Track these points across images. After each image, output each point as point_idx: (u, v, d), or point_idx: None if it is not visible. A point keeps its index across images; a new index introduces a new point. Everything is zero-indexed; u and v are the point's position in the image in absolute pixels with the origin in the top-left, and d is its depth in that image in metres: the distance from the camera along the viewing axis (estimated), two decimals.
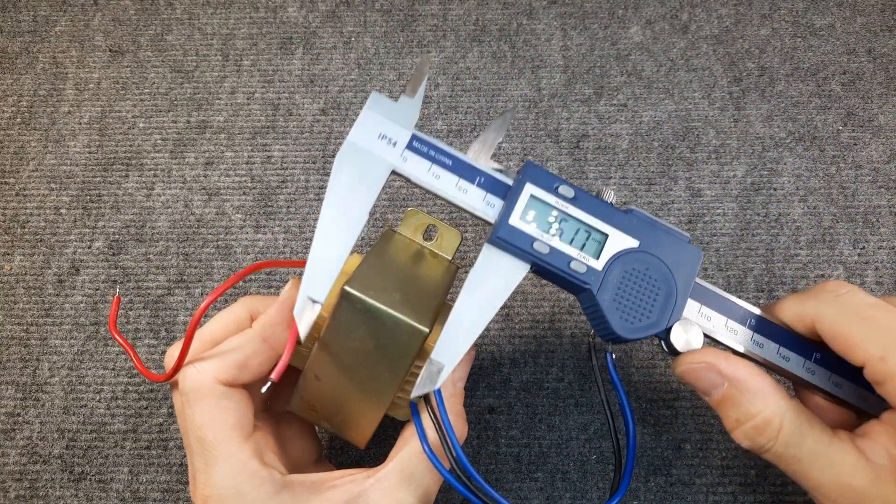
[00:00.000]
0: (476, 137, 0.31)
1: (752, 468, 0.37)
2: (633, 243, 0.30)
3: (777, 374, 0.31)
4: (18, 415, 0.39)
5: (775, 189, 0.44)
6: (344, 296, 0.28)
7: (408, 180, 0.30)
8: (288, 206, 0.44)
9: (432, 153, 0.30)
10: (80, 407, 0.40)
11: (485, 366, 0.40)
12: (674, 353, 0.30)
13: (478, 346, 0.40)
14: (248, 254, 0.43)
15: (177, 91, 0.48)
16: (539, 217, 0.29)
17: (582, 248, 0.29)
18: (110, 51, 0.50)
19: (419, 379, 0.27)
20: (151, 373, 0.30)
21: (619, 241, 0.30)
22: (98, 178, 0.46)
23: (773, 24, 0.49)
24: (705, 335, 0.30)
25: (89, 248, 0.44)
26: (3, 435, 0.39)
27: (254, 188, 0.45)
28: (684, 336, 0.29)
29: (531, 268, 0.30)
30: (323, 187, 0.45)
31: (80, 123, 0.47)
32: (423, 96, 0.31)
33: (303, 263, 0.28)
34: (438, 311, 0.30)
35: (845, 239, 0.43)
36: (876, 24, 0.49)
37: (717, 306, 0.30)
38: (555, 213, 0.30)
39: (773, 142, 0.46)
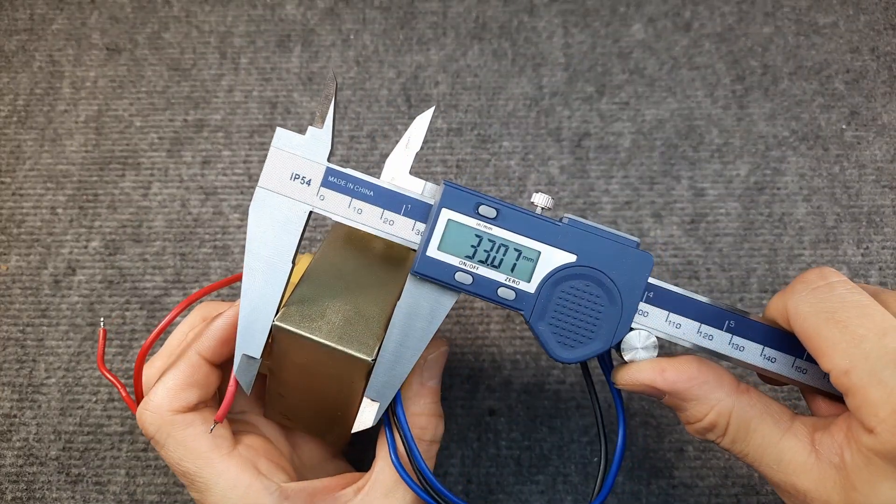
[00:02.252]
0: (392, 150, 0.30)
1: (754, 471, 0.37)
2: (569, 258, 0.27)
3: (767, 380, 0.30)
4: (15, 416, 0.39)
5: (779, 188, 0.44)
6: (277, 330, 0.27)
7: (329, 218, 0.28)
8: None
9: (350, 185, 0.28)
10: (77, 408, 0.39)
11: (485, 367, 0.40)
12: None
13: (478, 348, 0.40)
14: None
15: (174, 89, 0.48)
16: (459, 244, 0.27)
17: (512, 271, 0.27)
18: (107, 49, 0.49)
19: (358, 414, 0.27)
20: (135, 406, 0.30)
21: (553, 258, 0.27)
22: (94, 178, 0.45)
23: (776, 22, 0.49)
24: (675, 343, 0.28)
25: (85, 248, 0.43)
26: (0, 437, 0.39)
27: (251, 187, 0.45)
28: (636, 349, 0.28)
29: (458, 294, 0.28)
30: None
31: (77, 122, 0.47)
32: (334, 127, 0.28)
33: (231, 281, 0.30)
34: (388, 323, 0.28)
35: (849, 239, 0.42)
36: (879, 22, 0.49)
37: (688, 312, 0.28)
38: (476, 236, 0.27)
39: (776, 141, 0.45)
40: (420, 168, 0.45)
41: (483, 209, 0.27)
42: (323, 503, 0.28)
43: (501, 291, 0.27)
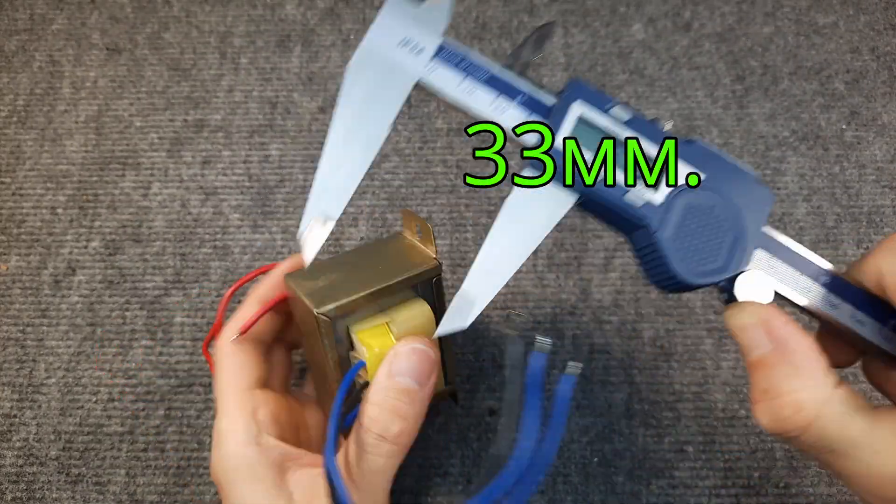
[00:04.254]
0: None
1: (755, 471, 0.37)
2: (699, 176, 0.26)
3: (850, 342, 0.27)
4: (15, 416, 0.39)
5: (779, 188, 0.44)
6: (286, 286, 0.32)
7: (435, 94, 0.26)
8: (286, 206, 0.44)
9: (464, 65, 0.26)
10: (77, 408, 0.39)
11: (485, 367, 0.40)
12: (732, 301, 0.26)
13: (477, 348, 0.40)
14: (246, 254, 0.43)
15: (174, 89, 0.48)
16: (589, 141, 0.25)
17: (640, 180, 0.25)
18: (107, 49, 0.49)
19: (448, 311, 0.24)
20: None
21: (680, 174, 0.26)
22: (94, 178, 0.45)
23: (776, 22, 0.49)
24: (775, 292, 0.26)
25: (86, 248, 0.43)
26: (0, 437, 0.39)
27: (251, 187, 0.45)
28: (752, 288, 0.25)
29: (578, 199, 0.26)
30: None
31: (77, 122, 0.47)
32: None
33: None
34: (363, 298, 0.29)
35: (849, 239, 0.42)
36: (879, 22, 0.49)
37: (788, 259, 0.26)
38: (607, 136, 0.25)
39: (776, 141, 0.45)
40: (420, 168, 0.45)
41: (616, 111, 0.26)
42: (290, 469, 0.28)
43: (629, 197, 0.25)
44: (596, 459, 0.37)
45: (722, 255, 0.25)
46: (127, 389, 0.40)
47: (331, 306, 0.29)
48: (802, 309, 0.26)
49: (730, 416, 0.38)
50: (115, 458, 0.38)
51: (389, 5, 0.26)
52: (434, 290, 0.31)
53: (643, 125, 0.26)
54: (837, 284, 0.26)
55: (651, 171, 0.25)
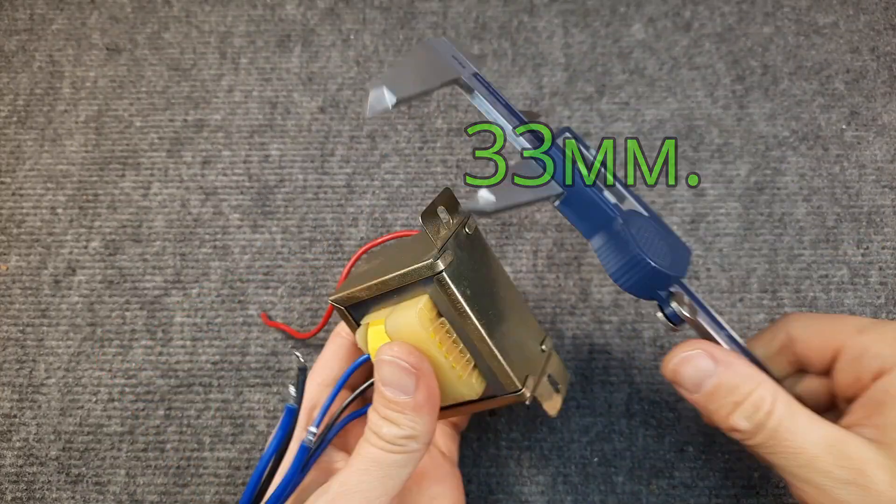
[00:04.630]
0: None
1: (755, 471, 0.37)
2: (644, 213, 0.30)
3: None
4: (15, 416, 0.39)
5: (779, 188, 0.44)
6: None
7: (469, 90, 0.30)
8: (286, 206, 0.44)
9: (489, 87, 0.30)
10: (77, 408, 0.39)
11: None
12: (675, 322, 0.29)
13: None
14: (246, 254, 0.43)
15: (174, 89, 0.48)
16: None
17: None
18: (107, 49, 0.49)
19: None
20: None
21: (632, 206, 0.30)
22: (94, 178, 0.45)
23: (776, 22, 0.49)
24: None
25: (86, 248, 0.43)
26: (0, 437, 0.39)
27: (251, 187, 0.45)
28: (684, 306, 0.29)
29: (561, 194, 0.29)
30: (322, 186, 0.45)
31: (77, 122, 0.47)
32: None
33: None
34: (370, 290, 0.30)
35: (849, 239, 0.42)
36: (879, 22, 0.49)
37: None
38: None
39: (776, 141, 0.45)
40: (420, 168, 0.45)
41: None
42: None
43: (606, 193, 0.29)
44: (596, 459, 0.37)
45: (676, 260, 0.29)
46: (127, 389, 0.40)
47: (341, 294, 0.30)
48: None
49: None
50: (115, 458, 0.38)
51: (432, 41, 0.31)
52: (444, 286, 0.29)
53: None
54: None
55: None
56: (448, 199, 0.31)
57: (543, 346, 0.33)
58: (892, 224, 0.43)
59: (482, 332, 0.29)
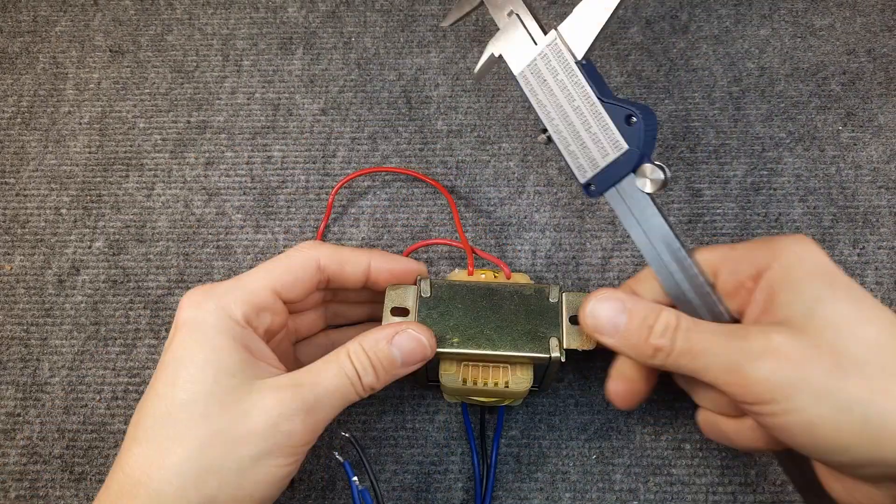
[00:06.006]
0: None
1: (751, 468, 0.37)
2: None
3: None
4: (19, 415, 0.39)
5: (775, 189, 0.44)
6: None
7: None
8: (288, 207, 0.44)
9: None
10: (81, 407, 0.40)
11: None
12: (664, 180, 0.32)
13: None
14: (249, 254, 0.43)
15: (177, 91, 0.48)
16: None
17: None
18: (110, 51, 0.50)
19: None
20: None
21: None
22: (98, 179, 0.46)
23: (772, 25, 0.49)
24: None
25: (89, 248, 0.44)
26: (4, 435, 0.39)
27: (254, 188, 0.45)
28: (646, 178, 0.31)
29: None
30: (323, 187, 0.45)
31: (81, 123, 0.47)
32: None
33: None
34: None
35: (845, 239, 0.43)
36: (876, 24, 0.49)
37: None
38: None
39: (772, 142, 0.46)
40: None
41: None
42: (256, 353, 0.30)
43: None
44: (594, 456, 0.38)
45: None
46: (130, 388, 0.40)
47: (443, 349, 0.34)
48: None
49: None
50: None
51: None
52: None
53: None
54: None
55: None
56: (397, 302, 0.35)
57: (552, 298, 0.35)
58: (887, 224, 0.43)
59: (487, 353, 0.34)
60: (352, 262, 0.34)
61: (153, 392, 0.28)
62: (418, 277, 0.35)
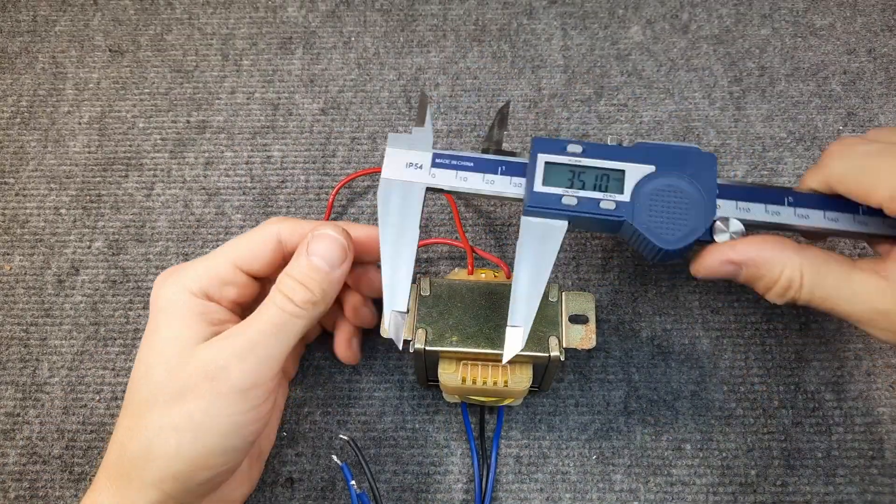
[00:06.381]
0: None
1: (752, 468, 0.37)
2: (650, 169, 0.33)
3: (835, 236, 0.35)
4: (18, 415, 0.39)
5: None
6: None
7: (442, 191, 0.34)
8: (288, 207, 0.44)
9: (454, 162, 0.34)
10: (80, 407, 0.39)
11: None
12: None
13: None
14: None
15: (176, 91, 0.48)
16: (559, 177, 0.33)
17: (606, 189, 0.33)
18: (110, 51, 0.50)
19: (505, 344, 0.31)
20: None
21: (636, 172, 0.33)
22: (98, 178, 0.46)
23: (773, 24, 0.49)
24: (750, 223, 0.32)
25: (89, 248, 0.44)
26: (3, 435, 0.39)
27: (254, 188, 0.45)
28: (727, 232, 0.32)
29: (568, 223, 0.33)
30: (323, 187, 0.45)
31: (80, 123, 0.47)
32: (432, 121, 0.33)
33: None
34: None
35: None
36: (876, 23, 0.49)
37: (752, 197, 0.33)
38: (570, 169, 0.33)
39: (773, 142, 0.46)
40: None
41: (571, 148, 0.34)
42: (218, 323, 0.32)
43: (603, 204, 0.32)
44: (594, 457, 0.38)
45: (691, 219, 0.32)
46: None
47: (434, 348, 0.34)
48: (779, 228, 0.33)
49: (727, 414, 0.38)
50: None
51: (391, 141, 0.34)
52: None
53: (595, 150, 0.34)
54: (801, 199, 0.33)
55: (613, 180, 0.33)
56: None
57: (551, 297, 0.35)
58: None
59: (487, 352, 0.34)
60: (309, 229, 0.34)
61: (133, 368, 0.31)
62: (418, 276, 0.35)
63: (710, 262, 0.32)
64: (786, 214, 0.32)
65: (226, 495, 0.33)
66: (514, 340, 0.31)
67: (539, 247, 0.32)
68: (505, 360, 0.31)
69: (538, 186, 0.33)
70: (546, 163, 0.33)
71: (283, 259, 0.34)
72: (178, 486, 0.29)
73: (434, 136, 0.35)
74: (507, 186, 0.34)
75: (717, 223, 0.32)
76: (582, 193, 0.33)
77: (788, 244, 0.31)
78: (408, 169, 0.34)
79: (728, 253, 0.31)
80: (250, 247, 0.33)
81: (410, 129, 0.35)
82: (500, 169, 0.34)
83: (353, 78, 0.48)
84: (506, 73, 0.48)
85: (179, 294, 0.31)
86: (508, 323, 0.31)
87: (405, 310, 0.32)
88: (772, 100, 0.47)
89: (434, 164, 0.34)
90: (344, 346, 0.37)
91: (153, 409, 0.29)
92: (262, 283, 0.34)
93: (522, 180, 0.33)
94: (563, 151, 0.33)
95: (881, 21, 0.49)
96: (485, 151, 0.36)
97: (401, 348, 0.32)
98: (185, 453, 0.29)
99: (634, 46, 0.49)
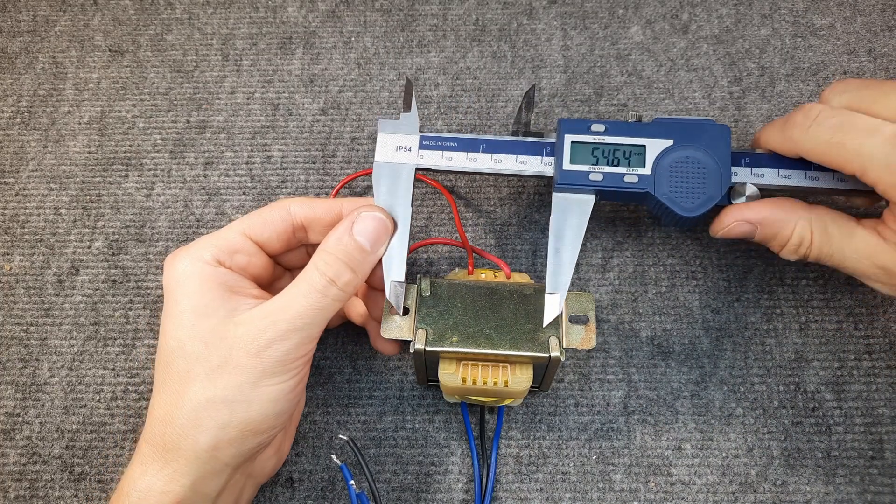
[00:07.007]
0: None
1: (752, 468, 0.37)
2: (668, 143, 0.36)
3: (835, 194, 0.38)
4: (18, 415, 0.39)
5: None
6: None
7: (429, 170, 0.37)
8: None
9: (440, 143, 0.37)
10: (80, 407, 0.39)
11: None
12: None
13: None
14: None
15: (176, 91, 0.48)
16: (585, 155, 0.36)
17: (629, 163, 0.36)
18: (110, 51, 0.50)
19: (545, 311, 0.34)
20: None
21: (656, 147, 0.36)
22: (98, 178, 0.46)
23: (773, 24, 0.49)
24: (764, 187, 0.35)
25: (89, 248, 0.44)
26: (3, 435, 0.39)
27: (254, 188, 0.45)
28: (744, 196, 0.35)
29: (596, 197, 0.36)
30: (323, 187, 0.45)
31: (80, 123, 0.47)
32: (418, 105, 0.34)
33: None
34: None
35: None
36: (876, 23, 0.49)
37: (762, 163, 0.36)
38: (595, 147, 0.36)
39: None
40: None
41: (594, 127, 0.36)
42: (239, 292, 0.32)
43: (627, 178, 0.36)
44: (594, 457, 0.38)
45: (709, 187, 0.35)
46: (130, 388, 0.40)
47: (435, 349, 0.34)
48: (793, 190, 0.36)
49: (727, 413, 0.39)
50: (117, 457, 0.38)
51: (381, 126, 0.37)
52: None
53: (616, 127, 0.36)
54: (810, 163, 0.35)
55: (635, 155, 0.36)
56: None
57: None
58: None
59: (487, 352, 0.34)
60: (323, 205, 0.35)
61: (158, 348, 0.32)
62: (419, 276, 0.35)
63: (728, 222, 0.34)
64: (797, 178, 0.36)
65: (262, 467, 0.34)
66: (553, 306, 0.34)
67: (570, 220, 0.35)
68: (545, 323, 0.34)
69: (566, 165, 0.36)
70: (573, 142, 0.36)
71: (293, 232, 0.34)
72: (233, 450, 0.30)
73: (421, 115, 0.37)
74: (488, 162, 0.37)
75: (735, 187, 0.35)
76: (607, 169, 0.35)
77: (800, 204, 0.34)
78: (398, 152, 0.36)
79: (745, 213, 0.34)
80: (261, 217, 0.34)
81: (400, 114, 0.37)
82: (481, 147, 0.37)
83: (353, 78, 0.48)
84: (506, 73, 0.48)
85: (192, 265, 0.32)
86: (546, 291, 0.34)
87: (402, 279, 0.34)
88: (772, 100, 0.47)
89: (421, 146, 0.37)
90: (381, 340, 0.37)
91: (195, 381, 0.30)
92: (274, 261, 0.35)
93: (501, 156, 0.37)
94: (587, 131, 0.36)
95: (881, 21, 0.49)
96: (514, 134, 0.38)
97: (401, 314, 0.34)
98: (238, 421, 0.30)
99: (634, 46, 0.49)
